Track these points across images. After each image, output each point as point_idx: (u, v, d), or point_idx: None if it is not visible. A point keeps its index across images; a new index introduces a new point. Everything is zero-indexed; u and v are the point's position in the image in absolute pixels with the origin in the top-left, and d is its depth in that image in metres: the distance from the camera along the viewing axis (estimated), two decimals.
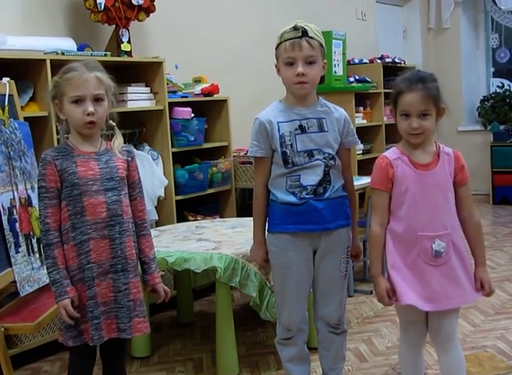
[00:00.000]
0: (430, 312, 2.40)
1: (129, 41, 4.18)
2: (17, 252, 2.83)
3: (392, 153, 2.43)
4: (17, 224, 2.87)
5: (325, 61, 2.53)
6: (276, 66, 2.54)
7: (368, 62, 6.77)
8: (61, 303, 2.25)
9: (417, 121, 2.30)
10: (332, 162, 2.54)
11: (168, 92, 4.33)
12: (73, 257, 2.30)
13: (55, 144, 3.39)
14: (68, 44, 3.81)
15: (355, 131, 2.65)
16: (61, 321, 2.33)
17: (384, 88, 6.60)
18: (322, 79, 2.58)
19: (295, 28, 2.45)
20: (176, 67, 4.71)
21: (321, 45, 2.49)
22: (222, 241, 3.38)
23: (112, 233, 2.32)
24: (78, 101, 2.27)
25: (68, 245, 2.30)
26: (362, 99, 6.42)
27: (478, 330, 3.64)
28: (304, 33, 2.44)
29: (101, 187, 2.31)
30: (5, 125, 2.92)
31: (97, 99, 2.29)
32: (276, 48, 2.51)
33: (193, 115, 4.53)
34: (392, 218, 2.40)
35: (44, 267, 2.92)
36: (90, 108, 2.27)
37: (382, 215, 2.40)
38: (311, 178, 2.52)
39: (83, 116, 2.27)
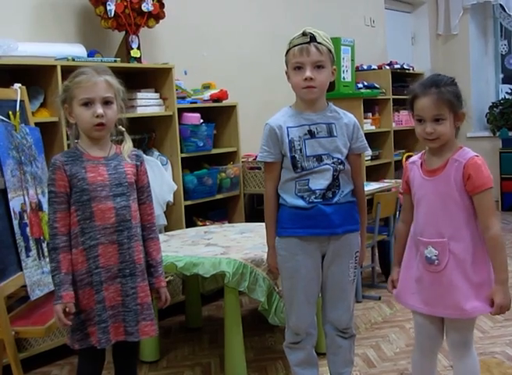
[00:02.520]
0: (445, 318, 2.39)
1: (138, 48, 4.21)
2: (28, 256, 2.86)
3: (414, 157, 2.48)
4: (28, 229, 2.90)
5: (334, 67, 2.55)
6: (286, 73, 2.56)
7: (376, 68, 6.79)
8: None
9: (431, 126, 2.27)
10: (341, 166, 2.55)
11: (178, 98, 4.36)
12: (82, 261, 2.32)
13: (66, 149, 3.42)
14: (78, 51, 3.84)
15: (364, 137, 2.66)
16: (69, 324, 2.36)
17: (392, 94, 6.62)
18: (333, 85, 2.60)
19: (303, 34, 2.48)
20: (185, 73, 4.74)
21: (330, 51, 2.51)
22: (231, 245, 3.39)
23: (121, 239, 2.34)
24: (87, 103, 2.30)
25: (77, 250, 2.32)
26: (371, 105, 6.43)
27: (486, 337, 3.64)
28: (313, 38, 2.46)
29: (109, 193, 2.33)
30: (16, 130, 2.95)
31: (106, 102, 2.32)
32: (286, 55, 2.54)
33: (202, 120, 4.55)
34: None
35: None
36: (100, 110, 2.29)
37: (405, 213, 2.52)
38: (319, 182, 2.53)
39: (92, 119, 2.30)
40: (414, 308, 2.45)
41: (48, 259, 2.97)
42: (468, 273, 2.28)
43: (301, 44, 2.46)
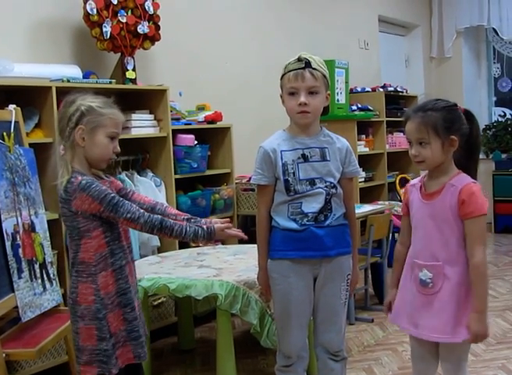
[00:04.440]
0: (440, 343, 2.38)
1: (134, 69, 4.23)
2: (20, 278, 2.85)
3: (415, 179, 2.50)
4: (20, 250, 2.89)
5: (328, 92, 2.58)
6: (281, 97, 2.59)
7: (370, 90, 6.82)
8: (218, 233, 2.41)
9: (416, 148, 2.31)
10: (333, 190, 2.57)
11: (172, 119, 4.37)
12: (112, 283, 2.34)
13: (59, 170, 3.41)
14: (73, 72, 3.85)
15: (357, 160, 2.69)
16: (99, 351, 2.32)
17: (386, 117, 6.65)
18: (327, 110, 2.63)
19: (299, 59, 2.51)
20: (180, 95, 4.76)
21: (325, 77, 2.54)
22: (224, 267, 3.39)
23: (131, 256, 2.44)
24: (113, 137, 2.34)
25: (106, 272, 2.32)
26: (364, 127, 6.46)
27: (479, 360, 3.63)
28: (308, 64, 2.49)
29: None
30: (10, 151, 2.96)
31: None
32: (281, 79, 2.57)
33: (196, 142, 4.56)
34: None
35: (47, 293, 2.96)
36: (118, 148, 2.37)
37: (403, 235, 2.53)
38: (312, 205, 2.55)
39: (111, 152, 2.35)
40: (406, 331, 2.47)
41: (39, 281, 2.98)
42: (461, 298, 2.29)
43: (296, 69, 2.50)
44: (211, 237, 2.39)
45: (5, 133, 2.95)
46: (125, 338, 2.37)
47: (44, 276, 3.03)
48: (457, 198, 2.27)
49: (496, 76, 8.52)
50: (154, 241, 4.15)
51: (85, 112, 2.30)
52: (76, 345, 2.35)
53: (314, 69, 2.50)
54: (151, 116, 4.29)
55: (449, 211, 2.30)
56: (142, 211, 2.31)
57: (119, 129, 2.36)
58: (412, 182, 2.49)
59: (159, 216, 2.34)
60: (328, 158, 2.57)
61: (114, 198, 2.27)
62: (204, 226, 2.39)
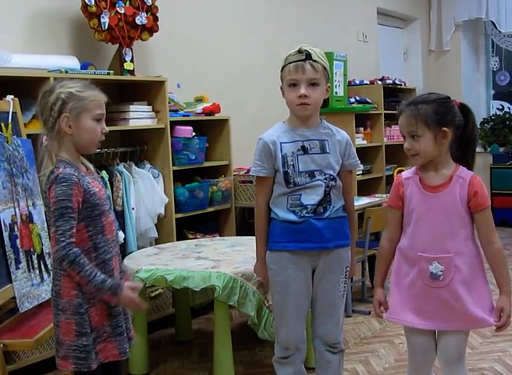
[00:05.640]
0: (438, 331, 2.40)
1: (132, 60, 4.22)
2: (17, 269, 2.84)
3: (407, 172, 2.46)
4: (18, 240, 2.88)
5: (328, 84, 2.58)
6: (281, 89, 2.59)
7: (368, 83, 6.80)
8: (124, 296, 2.24)
9: (408, 142, 2.32)
10: (332, 182, 2.57)
11: (170, 111, 4.36)
12: None
13: None
14: (71, 63, 3.84)
15: (356, 154, 2.68)
16: (76, 347, 2.27)
17: (384, 109, 6.63)
18: (327, 102, 2.63)
19: (299, 51, 2.51)
20: (178, 86, 4.75)
21: (325, 69, 2.54)
22: (221, 259, 3.39)
23: (117, 249, 2.39)
24: (99, 119, 2.29)
25: None
26: (362, 120, 6.44)
27: (475, 353, 3.64)
28: (308, 56, 2.49)
29: (109, 206, 2.36)
30: (8, 142, 2.95)
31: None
32: (281, 71, 2.57)
33: (194, 134, 4.55)
34: (402, 235, 2.43)
35: (44, 283, 2.96)
36: (106, 128, 2.32)
37: (391, 231, 2.47)
38: (311, 198, 2.55)
39: (100, 135, 2.30)
40: (413, 325, 2.40)
41: (37, 272, 2.98)
42: (470, 287, 2.33)
43: (297, 61, 2.49)
44: (117, 292, 2.22)
45: (2, 124, 2.94)
46: (109, 334, 2.32)
47: (42, 267, 3.03)
48: (468, 190, 2.31)
49: (495, 69, 8.51)
50: (152, 232, 4.15)
51: (66, 99, 2.24)
52: (56, 338, 2.30)
53: (314, 61, 2.49)
54: (149, 108, 4.28)
55: (459, 202, 2.32)
56: (73, 240, 2.18)
57: (103, 109, 2.30)
58: (406, 175, 2.43)
59: (80, 252, 2.19)
60: (327, 151, 2.57)
61: (66, 208, 2.16)
62: (118, 281, 2.27)
